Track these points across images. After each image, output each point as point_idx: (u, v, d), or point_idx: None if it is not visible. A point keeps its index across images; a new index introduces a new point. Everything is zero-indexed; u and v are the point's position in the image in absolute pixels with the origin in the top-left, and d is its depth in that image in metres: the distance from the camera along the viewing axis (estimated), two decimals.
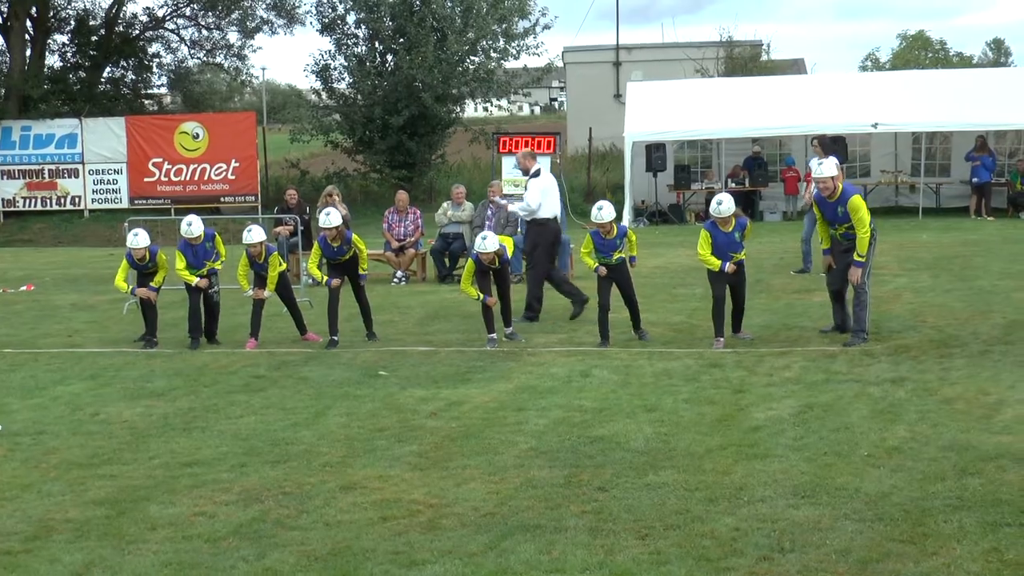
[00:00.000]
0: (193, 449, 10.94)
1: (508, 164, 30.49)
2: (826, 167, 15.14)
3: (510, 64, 44.60)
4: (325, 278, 16.36)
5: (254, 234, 16.29)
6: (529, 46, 43.19)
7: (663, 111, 34.92)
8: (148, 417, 12.39)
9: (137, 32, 47.04)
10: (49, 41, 45.85)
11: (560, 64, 52.17)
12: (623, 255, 16.02)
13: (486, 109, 45.79)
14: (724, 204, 15.33)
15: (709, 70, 46.36)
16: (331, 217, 16.21)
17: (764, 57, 52.65)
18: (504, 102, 47.46)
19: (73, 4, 46.18)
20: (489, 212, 23.31)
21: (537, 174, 18.96)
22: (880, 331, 15.42)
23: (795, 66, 54.50)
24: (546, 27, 43.03)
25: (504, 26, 42.09)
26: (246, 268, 16.58)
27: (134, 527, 8.74)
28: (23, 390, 13.93)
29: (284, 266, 17.23)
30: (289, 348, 16.18)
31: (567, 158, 40.83)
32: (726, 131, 35.01)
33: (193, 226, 16.46)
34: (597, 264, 15.88)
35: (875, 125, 32.71)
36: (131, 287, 16.92)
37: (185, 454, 10.74)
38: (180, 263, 16.47)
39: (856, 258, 14.68)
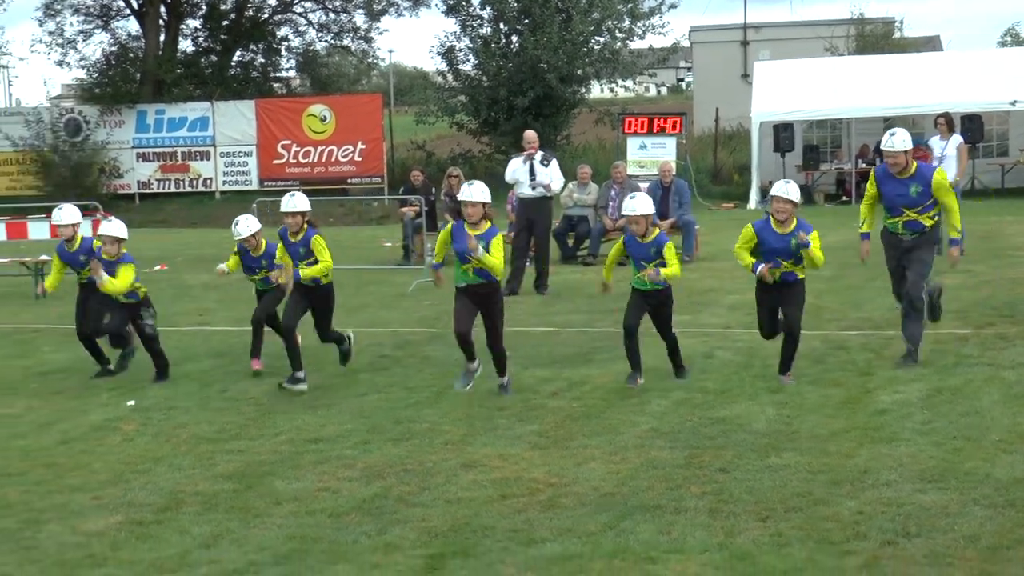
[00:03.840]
0: (318, 426, 11.05)
1: (633, 144, 30.52)
2: (898, 139, 12.51)
3: (635, 44, 44.41)
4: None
5: (240, 226, 13.88)
6: (655, 26, 43.26)
7: (791, 90, 34.64)
8: (274, 394, 12.54)
9: (266, 16, 47.66)
10: (182, 26, 46.61)
11: (687, 44, 51.79)
12: (661, 280, 12.15)
13: (611, 90, 45.67)
14: (790, 185, 12.18)
15: (839, 48, 45.65)
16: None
17: (897, 35, 51.68)
18: (630, 83, 47.01)
19: None
20: (613, 193, 23.24)
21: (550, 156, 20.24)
22: (1015, 315, 15.04)
23: (930, 44, 53.39)
24: (672, 6, 43.00)
25: (629, 6, 41.93)
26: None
27: (260, 501, 8.86)
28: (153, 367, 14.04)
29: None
30: (413, 328, 16.25)
31: (693, 139, 40.57)
32: (856, 110, 34.52)
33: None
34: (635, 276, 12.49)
35: (1014, 103, 31.93)
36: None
37: (310, 431, 10.85)
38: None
39: (953, 235, 12.76)
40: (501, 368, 12.41)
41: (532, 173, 19.24)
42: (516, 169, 19.62)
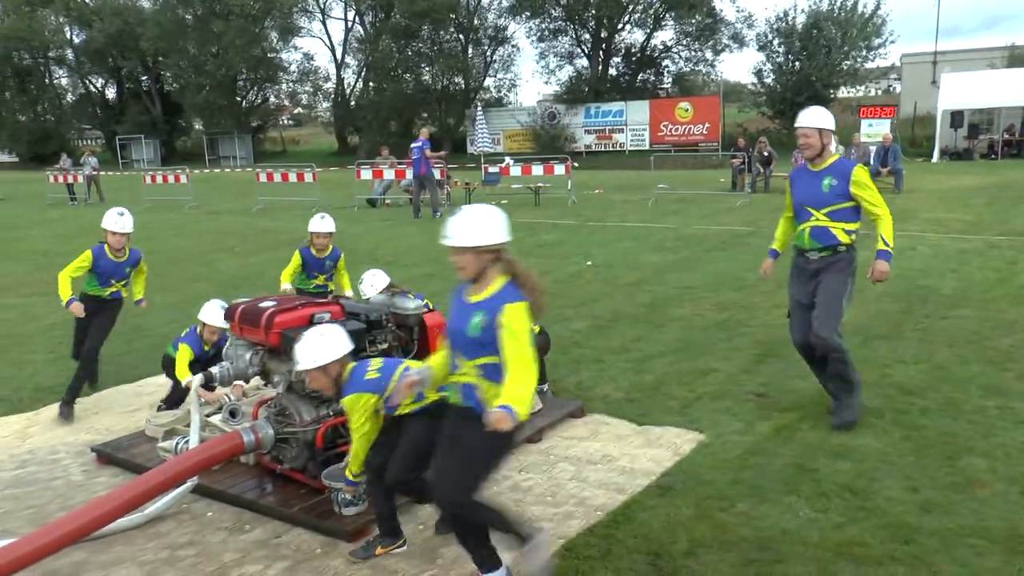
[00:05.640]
0: (686, 280, 10.81)
1: (864, 124, 28.76)
2: (809, 113, 5.57)
3: (869, 65, 41.46)
4: None
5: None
6: (879, 54, 40.31)
7: (963, 90, 31.26)
8: (664, 261, 12.31)
9: (656, 55, 46.62)
10: (611, 60, 46.17)
11: (898, 64, 47.65)
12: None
13: (854, 91, 42.97)
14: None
15: (996, 64, 40.63)
16: None
17: None
18: (863, 87, 44.43)
19: None
20: (852, 151, 21.80)
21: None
22: None
23: None
24: (892, 42, 39.78)
25: (865, 42, 39.19)
26: None
27: (661, 318, 8.80)
28: (599, 244, 14.18)
29: None
30: (739, 227, 15.63)
31: (900, 119, 37.59)
32: (1004, 101, 31.01)
33: None
34: None
35: None
36: None
37: (683, 283, 10.64)
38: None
39: (880, 246, 5.43)
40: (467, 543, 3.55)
41: None
42: None
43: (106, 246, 6.58)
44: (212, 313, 6.13)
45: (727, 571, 3.84)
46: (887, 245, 5.40)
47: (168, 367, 6.25)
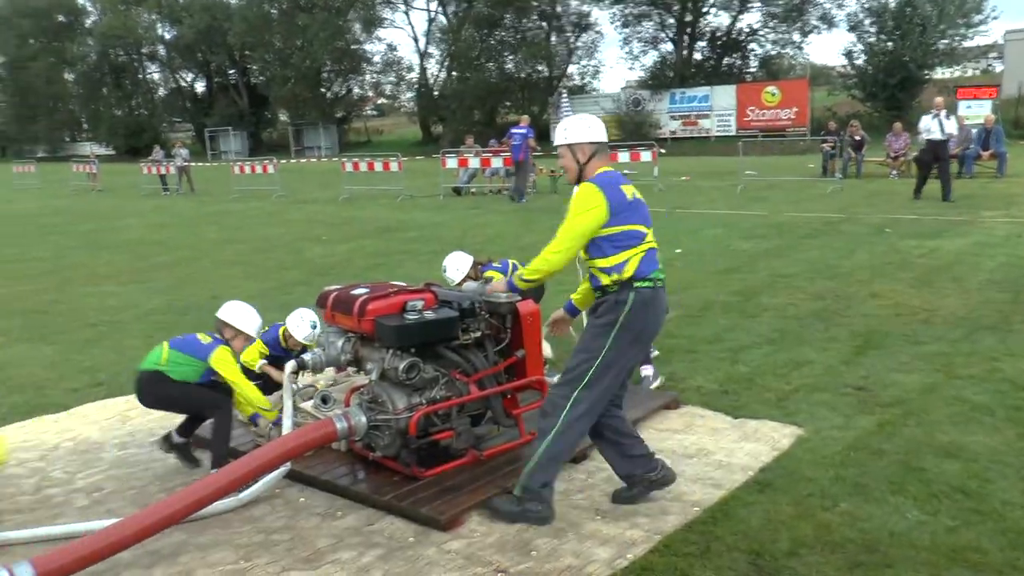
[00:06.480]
0: (782, 267, 10.51)
1: (962, 105, 27.45)
2: (558, 130, 4.14)
3: (967, 43, 39.57)
4: None
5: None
6: (979, 31, 38.51)
7: None
8: (756, 248, 12.01)
9: (742, 39, 45.54)
10: (695, 45, 45.32)
11: (1001, 41, 45.41)
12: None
13: (951, 72, 41.03)
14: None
15: None
16: None
17: None
18: (960, 67, 42.37)
19: None
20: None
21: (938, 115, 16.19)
22: None
23: None
24: (994, 18, 37.97)
25: (964, 19, 37.44)
26: None
27: (753, 307, 8.55)
28: (688, 232, 13.87)
29: None
30: (830, 214, 15.17)
31: (1002, 100, 35.92)
32: None
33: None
34: None
35: None
36: None
37: (776, 271, 10.31)
38: None
39: (517, 279, 4.21)
40: None
41: (941, 125, 16.08)
42: (926, 121, 16.52)
43: (228, 345, 5.07)
44: (298, 326, 5.68)
45: (832, 574, 3.68)
46: (521, 273, 4.08)
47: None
